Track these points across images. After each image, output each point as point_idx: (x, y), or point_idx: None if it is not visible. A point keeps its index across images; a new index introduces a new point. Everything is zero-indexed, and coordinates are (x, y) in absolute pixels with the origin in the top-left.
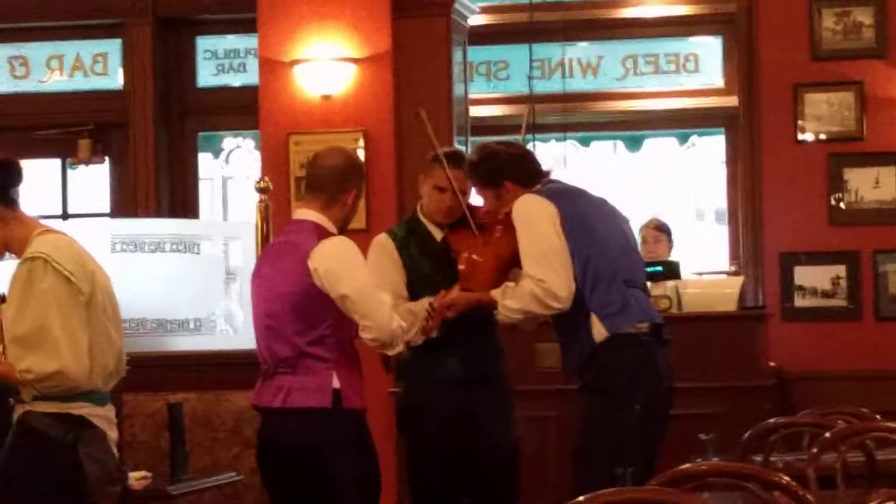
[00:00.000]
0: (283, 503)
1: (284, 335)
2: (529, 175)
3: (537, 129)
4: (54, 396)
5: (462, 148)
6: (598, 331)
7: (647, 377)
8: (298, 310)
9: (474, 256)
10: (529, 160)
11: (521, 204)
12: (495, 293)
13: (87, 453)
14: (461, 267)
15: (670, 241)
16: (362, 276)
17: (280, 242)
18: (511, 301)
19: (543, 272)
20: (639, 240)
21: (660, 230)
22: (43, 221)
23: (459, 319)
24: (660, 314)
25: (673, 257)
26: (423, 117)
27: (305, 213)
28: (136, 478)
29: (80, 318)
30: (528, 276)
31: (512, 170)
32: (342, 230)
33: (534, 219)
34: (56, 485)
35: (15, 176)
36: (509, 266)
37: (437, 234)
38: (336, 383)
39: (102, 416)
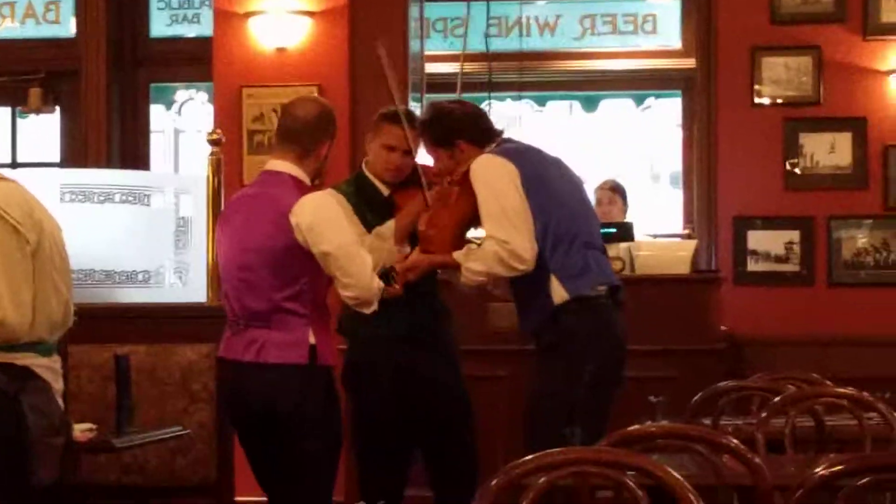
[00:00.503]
0: (256, 457)
1: (260, 289)
2: (484, 134)
3: (493, 87)
4: None
5: (418, 105)
6: (558, 293)
7: (604, 341)
8: (277, 265)
9: (433, 219)
10: (483, 119)
11: (479, 164)
12: (458, 255)
13: (31, 404)
14: (421, 229)
15: (625, 202)
16: (346, 233)
17: (255, 194)
18: (474, 263)
19: (506, 233)
20: (593, 201)
21: (614, 191)
22: None
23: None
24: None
25: (628, 219)
26: (381, 53)
27: (281, 164)
28: (82, 429)
29: (24, 269)
30: (490, 238)
31: (466, 129)
32: (314, 182)
33: (494, 179)
34: None
35: None
36: (468, 227)
37: (384, 192)
38: (312, 339)
39: (47, 367)
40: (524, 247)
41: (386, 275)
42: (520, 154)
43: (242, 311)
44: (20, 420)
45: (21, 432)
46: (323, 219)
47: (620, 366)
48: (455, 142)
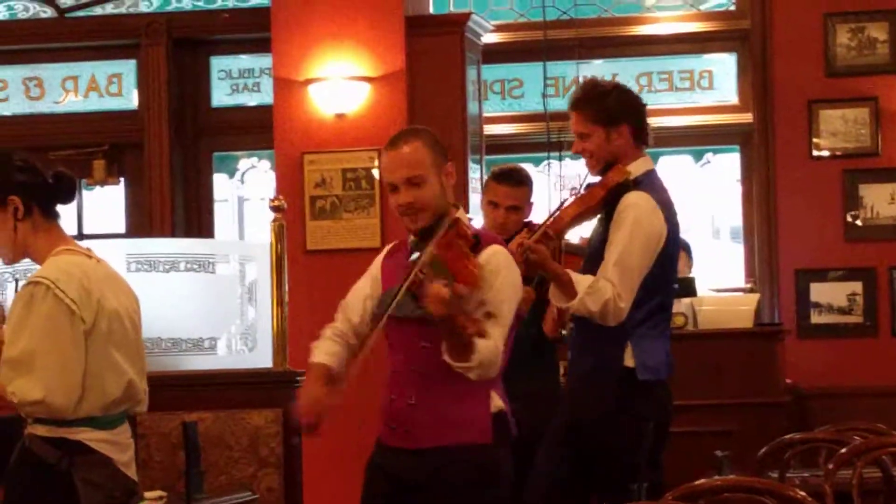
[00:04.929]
0: None
1: None
2: (644, 132)
3: (552, 147)
4: (49, 420)
5: (477, 167)
6: (629, 361)
7: (664, 395)
8: None
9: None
10: (646, 118)
11: (640, 206)
12: (578, 279)
13: (85, 479)
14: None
15: (690, 258)
16: None
17: None
18: (591, 301)
19: (625, 290)
20: None
21: (681, 248)
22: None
23: None
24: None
25: (690, 274)
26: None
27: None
28: (152, 497)
29: (75, 348)
30: (609, 282)
31: (634, 116)
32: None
33: (647, 231)
34: None
35: (64, 192)
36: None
37: None
38: None
39: (106, 441)
40: (626, 312)
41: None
42: (668, 208)
43: None
44: (72, 495)
45: None
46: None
47: (671, 417)
48: (620, 124)
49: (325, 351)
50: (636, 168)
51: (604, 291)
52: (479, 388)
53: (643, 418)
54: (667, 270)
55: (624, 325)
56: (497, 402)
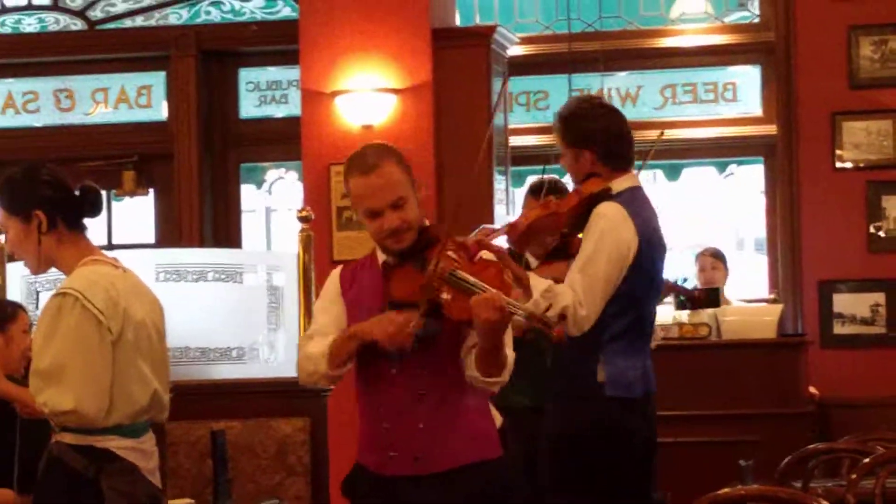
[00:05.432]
0: None
1: None
2: (615, 154)
3: None
4: (77, 429)
5: (502, 177)
6: (600, 377)
7: (650, 407)
8: None
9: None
10: (618, 141)
11: (608, 215)
12: (536, 283)
13: (112, 486)
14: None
15: (726, 268)
16: None
17: None
18: (544, 301)
19: (589, 300)
20: (696, 268)
21: (716, 258)
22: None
23: None
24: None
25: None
26: None
27: None
28: None
29: (103, 358)
30: (571, 289)
31: (599, 142)
32: None
33: (615, 239)
34: None
35: (90, 206)
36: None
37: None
38: None
39: (132, 448)
40: (589, 323)
41: None
42: (647, 227)
43: None
44: (99, 502)
45: None
46: None
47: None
48: (584, 148)
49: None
50: (619, 185)
51: (563, 297)
52: (483, 401)
53: (625, 433)
54: (643, 286)
55: (598, 341)
56: (496, 414)
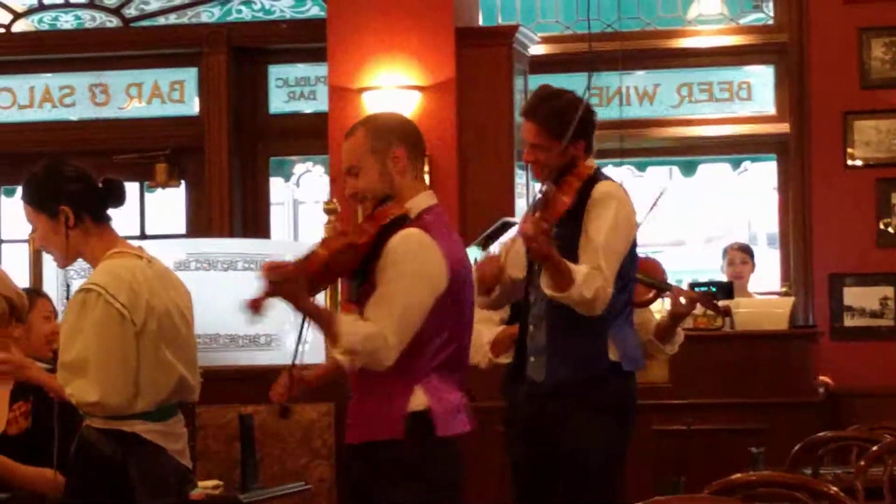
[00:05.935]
0: None
1: None
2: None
3: (596, 155)
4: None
5: (522, 172)
6: (612, 354)
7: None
8: None
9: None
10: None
11: (618, 192)
12: (573, 268)
13: (140, 467)
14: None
15: (754, 263)
16: None
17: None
18: (586, 289)
19: (612, 277)
20: (724, 262)
21: (745, 251)
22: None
23: None
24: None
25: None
26: None
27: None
28: (209, 486)
29: (126, 351)
30: (599, 269)
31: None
32: None
33: (628, 216)
34: (106, 498)
35: (114, 198)
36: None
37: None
38: None
39: (159, 432)
40: (608, 298)
41: None
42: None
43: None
44: (127, 483)
45: (128, 496)
46: None
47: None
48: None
49: None
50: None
51: (595, 278)
52: (400, 383)
53: (628, 411)
54: (635, 260)
55: (604, 318)
56: (421, 398)
